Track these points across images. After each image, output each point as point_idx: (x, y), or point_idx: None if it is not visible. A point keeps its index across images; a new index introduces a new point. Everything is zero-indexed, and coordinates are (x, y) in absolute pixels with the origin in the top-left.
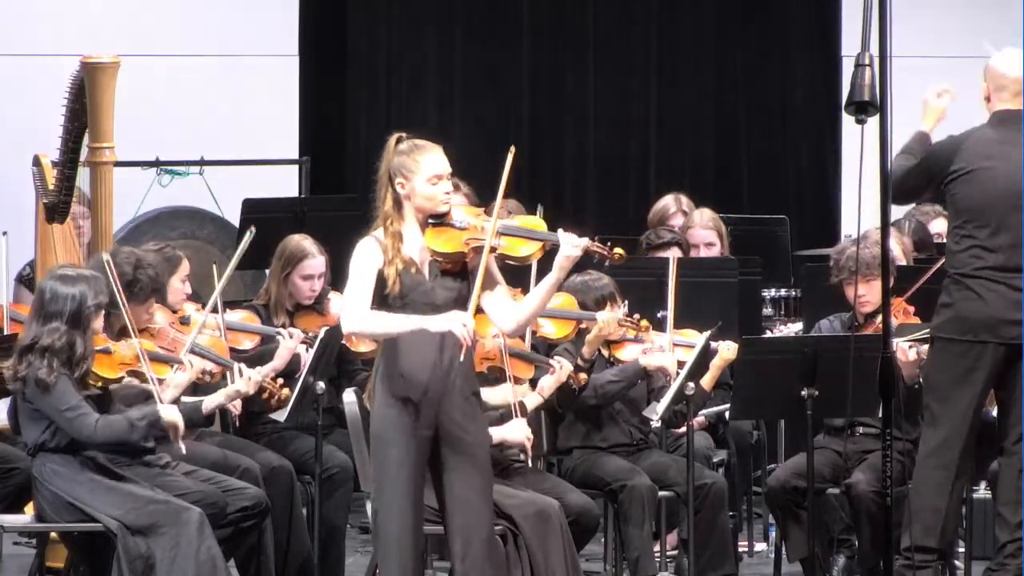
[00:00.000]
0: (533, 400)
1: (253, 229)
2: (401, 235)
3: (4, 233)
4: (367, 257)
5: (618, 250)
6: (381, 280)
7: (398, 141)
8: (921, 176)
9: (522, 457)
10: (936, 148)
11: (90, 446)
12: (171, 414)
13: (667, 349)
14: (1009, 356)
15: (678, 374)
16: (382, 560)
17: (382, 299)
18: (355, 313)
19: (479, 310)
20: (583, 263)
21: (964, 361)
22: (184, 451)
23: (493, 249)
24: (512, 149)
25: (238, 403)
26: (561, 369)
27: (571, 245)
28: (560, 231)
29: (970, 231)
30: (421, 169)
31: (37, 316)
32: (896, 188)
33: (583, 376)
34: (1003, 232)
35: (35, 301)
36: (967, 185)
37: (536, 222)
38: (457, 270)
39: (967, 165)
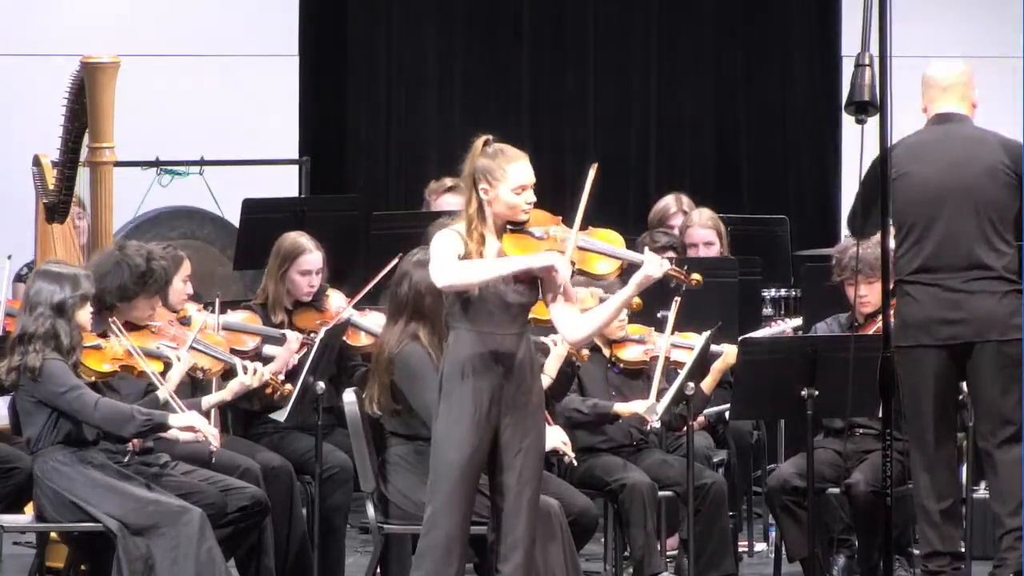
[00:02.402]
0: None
1: (220, 294)
2: (484, 239)
3: (9, 257)
4: (452, 242)
5: (696, 275)
6: None
7: (485, 144)
8: (867, 197)
9: (565, 460)
10: (870, 166)
11: (88, 424)
12: (185, 420)
13: (662, 354)
14: (956, 355)
15: (678, 373)
16: (423, 558)
17: (458, 296)
18: (447, 267)
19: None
20: (659, 285)
21: (913, 365)
22: (216, 447)
23: (573, 263)
24: (595, 165)
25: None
26: (559, 345)
27: (654, 266)
28: (646, 250)
29: (903, 235)
30: (508, 178)
31: (25, 309)
32: (849, 222)
33: (585, 353)
34: (932, 232)
35: (23, 297)
36: (899, 191)
37: (615, 239)
38: (529, 279)
39: (897, 172)
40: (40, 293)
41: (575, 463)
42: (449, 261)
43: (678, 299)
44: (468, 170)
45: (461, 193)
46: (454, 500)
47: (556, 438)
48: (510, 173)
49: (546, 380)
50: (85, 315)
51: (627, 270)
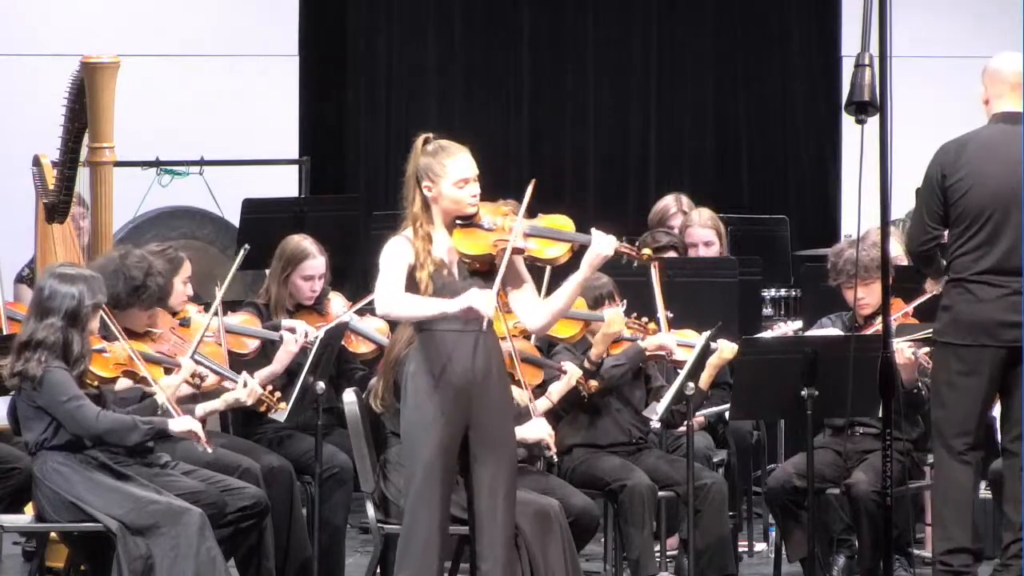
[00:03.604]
0: (542, 405)
1: (248, 247)
2: (431, 236)
3: None
4: (398, 252)
5: (646, 251)
6: (413, 281)
7: (425, 142)
8: (931, 199)
9: (547, 454)
10: (932, 164)
11: (89, 436)
12: (183, 424)
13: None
14: (1009, 358)
15: (677, 373)
16: (404, 556)
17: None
18: (388, 295)
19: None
20: (611, 264)
21: (964, 365)
22: (211, 452)
23: (521, 251)
24: (533, 182)
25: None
26: (572, 375)
27: (604, 244)
28: (593, 230)
29: (971, 234)
30: (447, 172)
31: (35, 313)
32: (913, 241)
33: (593, 383)
34: (1002, 234)
35: (33, 298)
36: (968, 190)
37: (564, 222)
38: (486, 270)
39: (967, 170)
40: (53, 299)
41: (555, 458)
42: (391, 291)
43: (655, 264)
44: (410, 170)
45: None
46: (431, 499)
47: (542, 430)
48: (450, 168)
49: (546, 403)
50: (96, 323)
51: (579, 252)
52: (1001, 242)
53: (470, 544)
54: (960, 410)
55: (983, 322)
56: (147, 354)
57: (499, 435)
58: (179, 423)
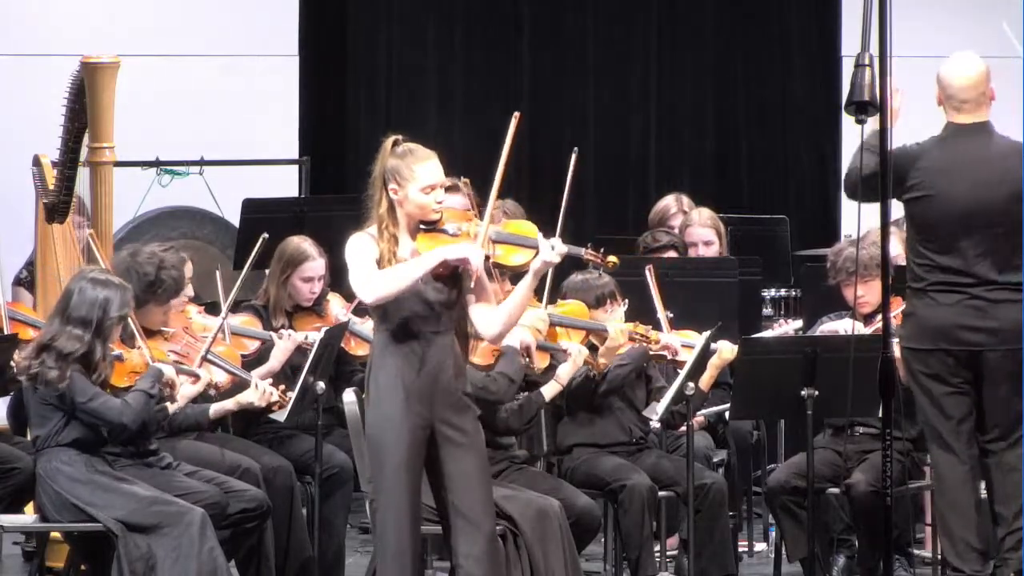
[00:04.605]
0: (551, 389)
1: (266, 236)
2: (396, 239)
3: None
4: (365, 246)
5: (611, 258)
6: None
7: (394, 144)
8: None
9: (525, 361)
10: (897, 155)
11: (119, 428)
12: (168, 370)
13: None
14: (974, 360)
15: (678, 374)
16: (381, 561)
17: None
18: (368, 279)
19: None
20: (579, 269)
21: (929, 369)
22: (180, 406)
23: (487, 257)
24: (517, 114)
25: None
26: (578, 354)
27: (548, 251)
28: (540, 236)
29: (927, 247)
30: (415, 177)
31: (60, 315)
32: (866, 184)
33: (602, 362)
34: (958, 248)
35: (61, 299)
36: (923, 205)
37: (529, 229)
38: (449, 274)
39: (922, 185)
40: (81, 305)
41: (536, 368)
42: (368, 275)
43: (651, 267)
44: (377, 171)
45: (460, 192)
46: (400, 503)
47: (518, 334)
48: (418, 173)
49: (556, 387)
50: (119, 331)
51: None
52: (959, 257)
53: (446, 544)
54: (938, 411)
55: (943, 326)
56: (166, 361)
57: (465, 431)
58: (164, 367)
